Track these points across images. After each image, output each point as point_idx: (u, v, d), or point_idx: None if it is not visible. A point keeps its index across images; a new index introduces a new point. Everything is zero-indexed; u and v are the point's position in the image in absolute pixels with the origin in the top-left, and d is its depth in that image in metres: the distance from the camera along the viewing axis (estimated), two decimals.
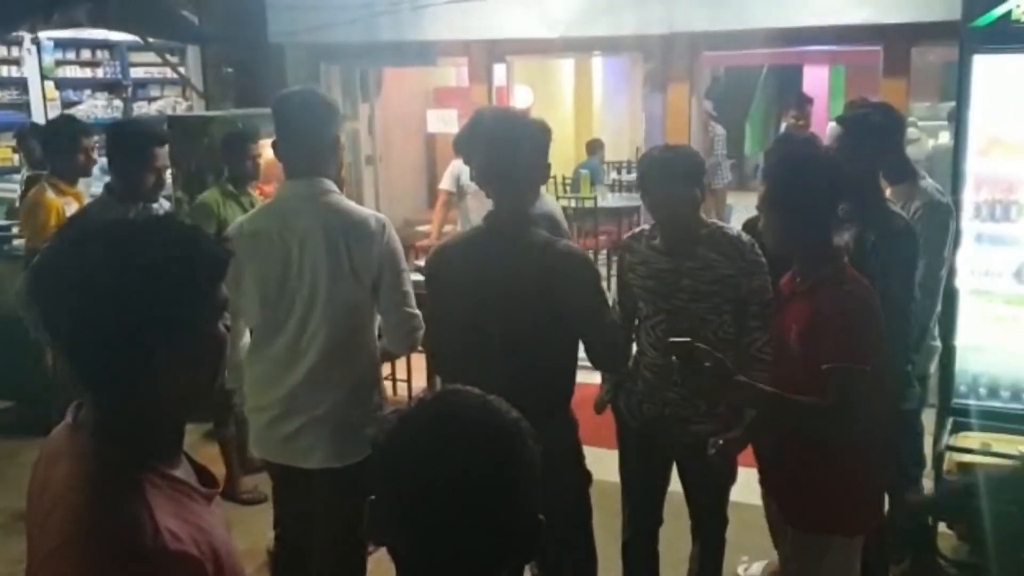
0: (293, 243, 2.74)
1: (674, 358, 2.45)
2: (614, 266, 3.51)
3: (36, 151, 6.00)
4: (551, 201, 4.04)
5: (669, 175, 2.95)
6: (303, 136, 2.78)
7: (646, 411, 3.13)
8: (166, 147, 3.98)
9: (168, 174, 6.13)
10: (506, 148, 2.66)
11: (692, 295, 3.01)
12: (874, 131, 3.38)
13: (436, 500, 1.11)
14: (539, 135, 2.72)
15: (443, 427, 1.14)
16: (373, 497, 1.17)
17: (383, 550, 1.24)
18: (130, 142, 3.85)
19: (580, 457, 2.95)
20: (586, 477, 2.97)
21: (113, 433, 1.27)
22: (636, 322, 3.23)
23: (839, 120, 3.57)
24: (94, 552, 1.18)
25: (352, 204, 2.85)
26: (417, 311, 2.87)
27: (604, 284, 3.00)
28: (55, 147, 4.65)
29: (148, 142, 3.84)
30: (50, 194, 4.46)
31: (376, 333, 2.97)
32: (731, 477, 3.17)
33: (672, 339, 2.52)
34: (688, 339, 2.48)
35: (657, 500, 3.29)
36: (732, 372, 2.45)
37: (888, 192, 3.77)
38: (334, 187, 2.81)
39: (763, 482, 2.94)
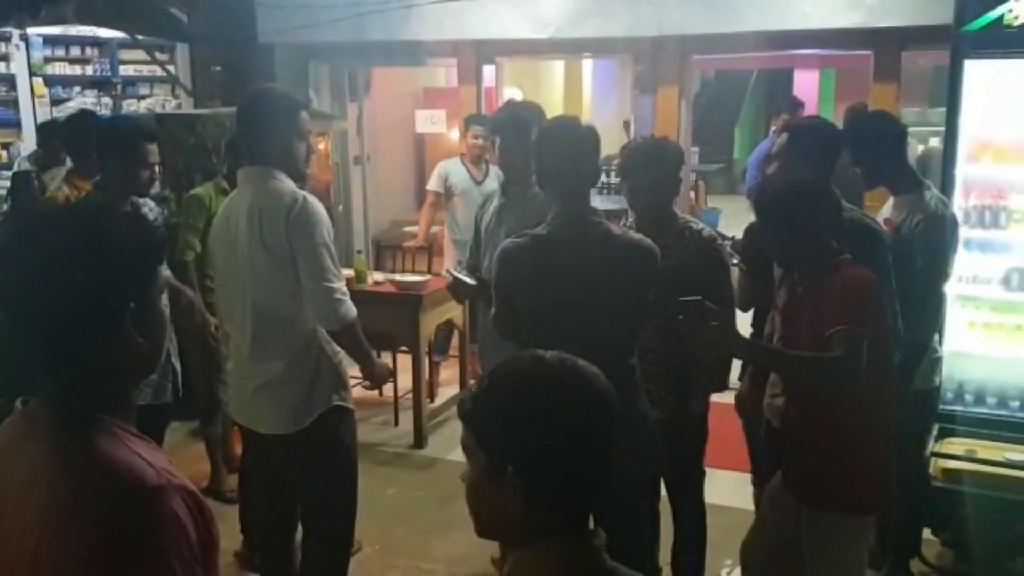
0: (232, 224, 3.04)
1: (680, 316, 2.63)
2: None
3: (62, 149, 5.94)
4: None
5: (650, 163, 3.25)
6: (255, 128, 3.04)
7: None
8: (155, 144, 3.95)
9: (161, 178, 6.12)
10: (572, 152, 2.83)
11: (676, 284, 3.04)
12: (821, 141, 3.35)
13: (594, 443, 1.33)
14: (595, 139, 2.93)
15: (588, 383, 1.35)
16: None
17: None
18: (123, 138, 3.81)
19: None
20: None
21: (71, 406, 1.31)
22: None
23: (787, 128, 3.56)
24: (102, 502, 1.20)
25: (281, 185, 3.00)
26: (337, 285, 2.99)
27: None
28: (75, 142, 4.65)
29: (141, 138, 3.81)
30: (64, 190, 4.46)
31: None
32: (694, 471, 3.38)
33: (683, 298, 2.67)
34: (699, 297, 2.67)
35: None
36: (735, 330, 2.73)
37: (891, 203, 3.74)
38: (278, 174, 3.00)
39: (782, 470, 2.97)
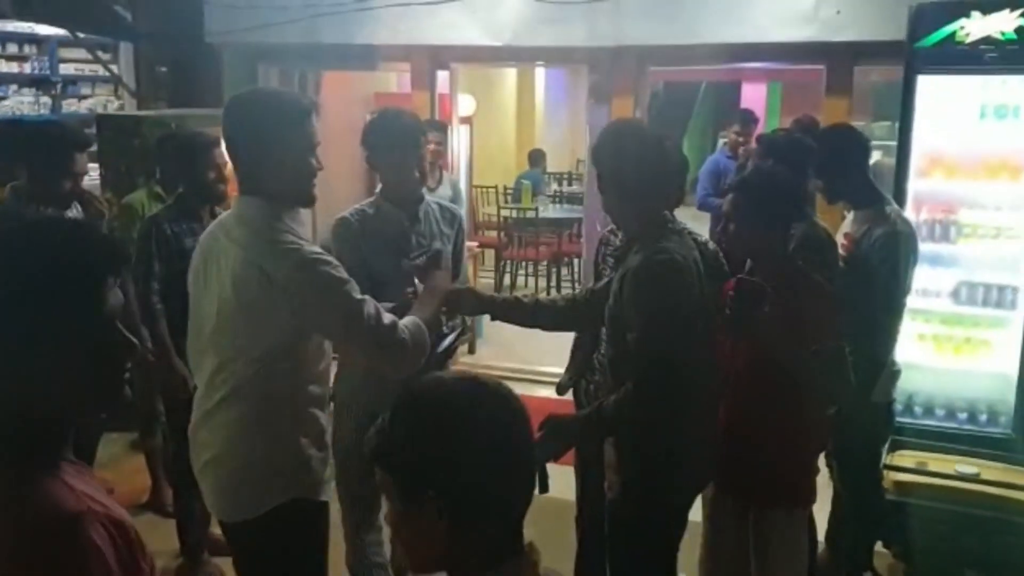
0: (211, 268, 2.49)
1: (731, 292, 2.70)
2: (553, 276, 3.64)
3: None
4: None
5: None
6: (259, 145, 2.46)
7: (600, 397, 3.22)
8: (85, 153, 3.80)
9: (97, 174, 5.93)
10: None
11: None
12: (793, 153, 3.44)
13: (507, 467, 1.30)
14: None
15: (494, 400, 1.33)
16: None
17: None
18: (51, 145, 3.67)
19: None
20: None
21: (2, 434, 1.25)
22: None
23: (757, 139, 3.55)
24: (19, 531, 1.17)
25: (290, 239, 2.40)
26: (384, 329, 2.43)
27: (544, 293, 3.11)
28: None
29: (70, 146, 3.67)
30: None
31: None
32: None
33: (740, 276, 2.79)
34: (757, 279, 2.77)
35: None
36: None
37: (851, 216, 3.74)
38: (287, 216, 2.41)
39: (716, 477, 2.99)
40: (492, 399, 1.32)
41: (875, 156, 6.80)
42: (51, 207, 3.66)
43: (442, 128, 6.22)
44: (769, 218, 2.82)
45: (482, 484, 1.27)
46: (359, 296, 2.35)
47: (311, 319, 2.33)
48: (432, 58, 6.48)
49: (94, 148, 4.98)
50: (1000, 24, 4.11)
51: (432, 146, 5.97)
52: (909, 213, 4.33)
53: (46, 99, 9.16)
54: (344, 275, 2.34)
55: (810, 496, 2.97)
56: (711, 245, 3.13)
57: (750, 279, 2.77)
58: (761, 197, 2.82)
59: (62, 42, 8.95)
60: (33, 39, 9.06)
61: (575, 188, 10.61)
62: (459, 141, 7.37)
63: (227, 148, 2.46)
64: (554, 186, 10.89)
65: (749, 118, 7.19)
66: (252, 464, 2.40)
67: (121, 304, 1.33)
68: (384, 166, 3.30)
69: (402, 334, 2.41)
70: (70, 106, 9.29)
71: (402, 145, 3.23)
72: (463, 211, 6.72)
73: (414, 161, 3.27)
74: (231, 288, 2.31)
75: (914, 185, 4.39)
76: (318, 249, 2.37)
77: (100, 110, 8.60)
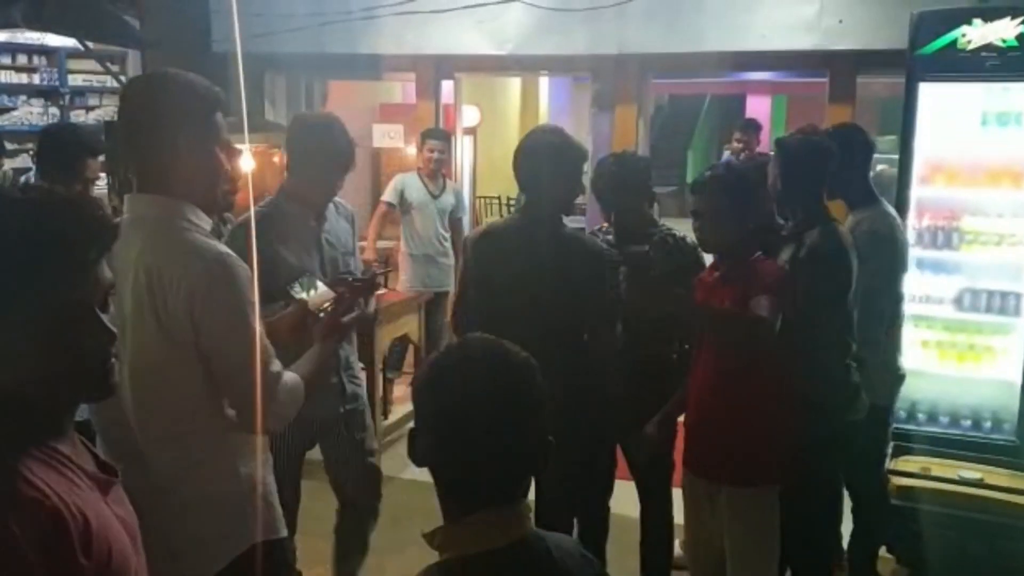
0: (118, 278, 2.32)
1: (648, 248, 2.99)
2: None
3: None
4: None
5: (619, 185, 3.47)
6: (151, 134, 2.15)
7: None
8: (100, 158, 3.84)
9: (104, 181, 5.98)
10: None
11: (629, 284, 3.33)
12: (804, 155, 3.34)
13: (463, 427, 1.33)
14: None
15: (467, 365, 1.38)
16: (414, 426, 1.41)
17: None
18: (63, 149, 3.72)
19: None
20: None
21: None
22: None
23: (776, 143, 3.57)
24: None
25: (193, 236, 2.10)
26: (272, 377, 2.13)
27: None
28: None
29: (82, 151, 3.71)
30: None
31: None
32: (667, 463, 3.47)
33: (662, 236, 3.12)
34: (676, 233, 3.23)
35: (606, 475, 3.60)
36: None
37: (850, 219, 3.74)
38: (188, 210, 2.10)
39: (688, 461, 3.13)
40: (482, 363, 1.37)
41: (880, 167, 6.84)
42: None
43: (445, 137, 6.27)
44: (737, 215, 2.90)
45: (449, 442, 1.35)
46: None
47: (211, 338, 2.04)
48: (437, 67, 6.52)
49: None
50: (1001, 31, 4.13)
51: (435, 154, 6.01)
52: (912, 219, 4.35)
53: (54, 109, 9.22)
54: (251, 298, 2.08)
55: (783, 474, 2.98)
56: (690, 239, 3.28)
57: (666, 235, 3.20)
58: (730, 195, 2.91)
59: (71, 53, 9.01)
60: (43, 50, 9.13)
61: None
62: (463, 151, 7.41)
63: (126, 137, 2.14)
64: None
65: (751, 125, 7.22)
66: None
67: (111, 281, 1.28)
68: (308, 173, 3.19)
69: (281, 391, 2.12)
70: (78, 116, 9.33)
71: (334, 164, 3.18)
72: (466, 219, 6.75)
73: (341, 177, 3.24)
74: (132, 303, 2.03)
75: (916, 192, 4.41)
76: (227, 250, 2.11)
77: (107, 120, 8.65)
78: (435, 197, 6.13)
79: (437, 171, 6.16)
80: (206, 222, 2.11)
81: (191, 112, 2.10)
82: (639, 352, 3.43)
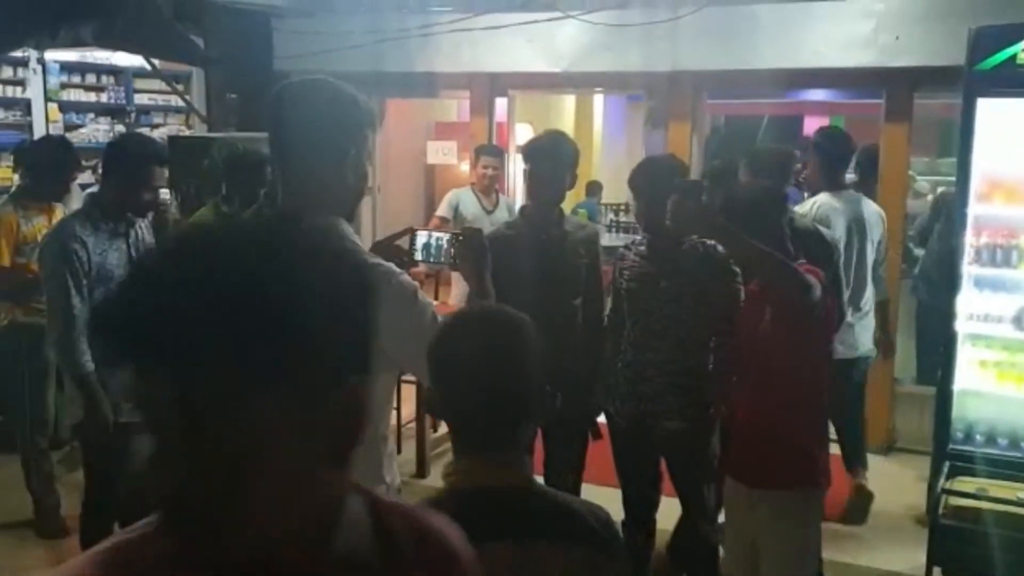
0: None
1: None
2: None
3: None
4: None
5: (659, 176, 3.43)
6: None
7: (629, 408, 3.55)
8: (165, 168, 3.94)
9: (168, 195, 6.14)
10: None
11: (668, 297, 3.43)
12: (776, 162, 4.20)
13: (461, 375, 1.56)
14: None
15: (465, 325, 1.66)
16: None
17: None
18: (130, 157, 3.79)
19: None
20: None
21: None
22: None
23: (745, 154, 4.20)
24: None
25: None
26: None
27: None
28: (36, 165, 4.70)
29: (149, 159, 3.78)
30: (8, 208, 4.51)
31: None
32: (710, 473, 3.48)
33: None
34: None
35: (648, 489, 3.65)
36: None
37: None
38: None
39: (730, 466, 3.19)
40: (481, 330, 1.62)
41: (940, 190, 6.75)
42: (126, 218, 3.80)
43: (499, 153, 6.33)
44: (755, 233, 2.90)
45: (450, 394, 1.61)
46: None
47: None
48: (491, 85, 6.60)
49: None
50: None
51: (489, 170, 6.06)
52: (969, 237, 4.30)
53: (120, 127, 9.48)
54: None
55: (826, 477, 3.02)
56: (720, 249, 3.40)
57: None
58: (746, 215, 2.98)
59: (137, 73, 9.28)
60: (111, 70, 9.42)
61: (630, 219, 10.61)
62: (516, 168, 7.47)
63: (284, 147, 2.04)
64: (610, 216, 10.93)
65: (808, 146, 7.15)
66: None
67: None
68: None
69: None
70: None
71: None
72: None
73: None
74: None
75: (974, 210, 4.35)
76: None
77: None
78: (489, 212, 6.15)
79: (491, 187, 6.20)
80: (358, 238, 2.09)
81: (360, 124, 2.05)
82: (679, 365, 3.46)
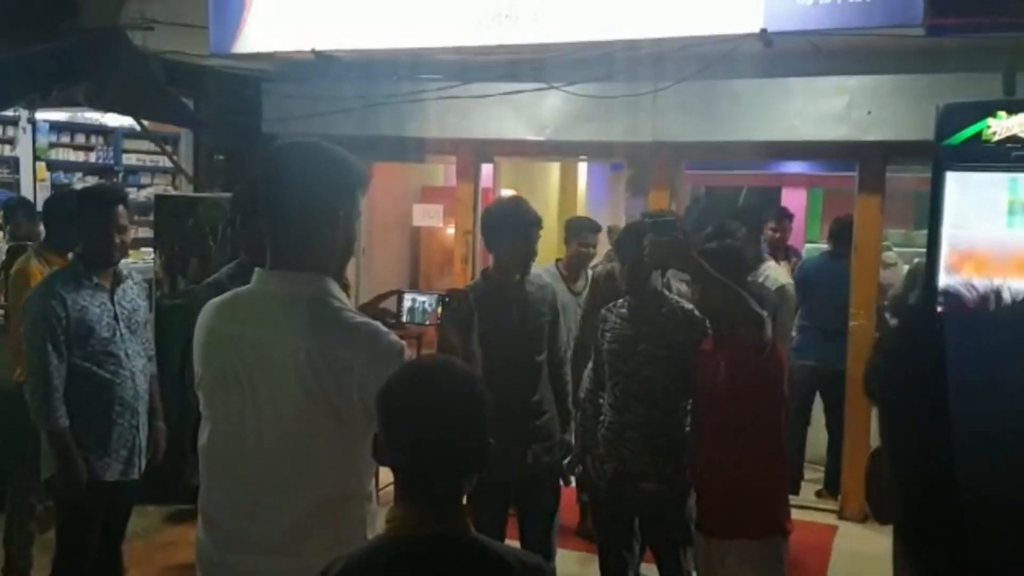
0: None
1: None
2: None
3: (23, 225, 6.05)
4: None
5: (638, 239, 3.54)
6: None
7: (607, 470, 3.60)
8: (126, 207, 3.90)
9: (153, 256, 6.18)
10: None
11: (647, 359, 3.51)
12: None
13: (419, 431, 1.61)
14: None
15: (411, 376, 1.70)
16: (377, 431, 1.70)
17: None
18: (92, 204, 3.87)
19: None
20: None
21: None
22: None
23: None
24: None
25: None
26: None
27: None
28: (56, 218, 4.71)
29: (110, 202, 3.84)
30: (35, 263, 4.52)
31: None
32: (685, 537, 3.51)
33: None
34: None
35: (625, 551, 3.67)
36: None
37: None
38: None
39: (700, 523, 3.34)
40: (420, 384, 1.67)
41: (916, 260, 6.88)
42: (107, 267, 3.83)
43: (598, 229, 5.73)
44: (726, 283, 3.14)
45: (393, 444, 1.66)
46: None
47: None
48: (477, 151, 6.72)
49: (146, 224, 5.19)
50: None
51: (588, 249, 5.42)
52: (941, 308, 4.39)
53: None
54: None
55: (782, 525, 3.18)
56: (698, 313, 3.52)
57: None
58: (716, 268, 3.13)
59: (127, 133, 9.38)
60: (101, 130, 9.51)
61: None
62: None
63: (273, 208, 2.07)
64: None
65: (784, 214, 7.29)
66: None
67: None
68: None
69: None
70: (130, 194, 9.66)
71: None
72: None
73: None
74: (298, 386, 1.95)
75: (945, 281, 4.45)
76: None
77: None
78: (576, 295, 5.24)
79: (583, 266, 5.43)
80: (345, 297, 2.10)
81: (351, 186, 2.09)
82: (657, 426, 3.52)
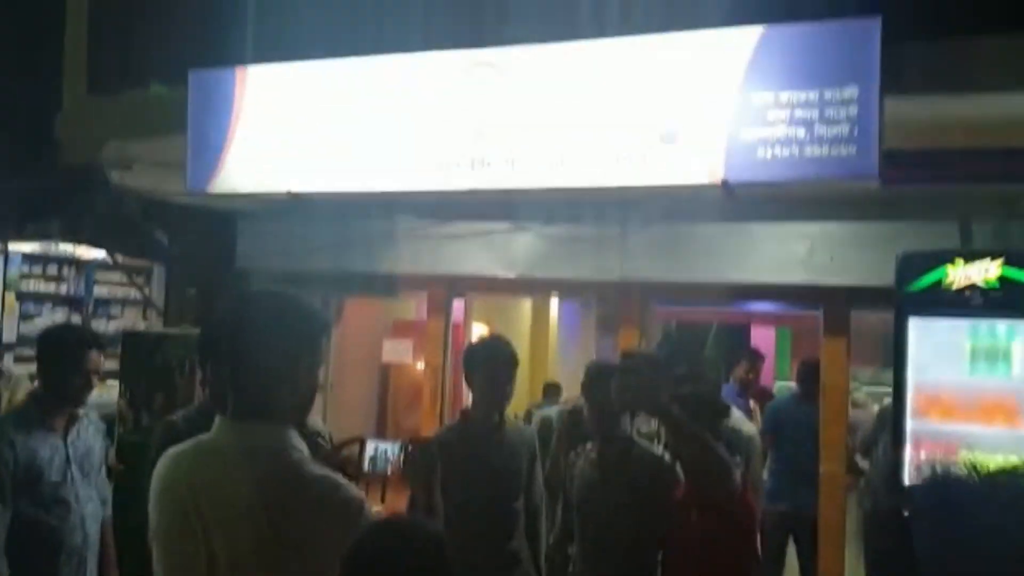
0: None
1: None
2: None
3: None
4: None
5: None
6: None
7: None
8: (100, 352, 3.85)
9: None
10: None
11: (616, 507, 3.42)
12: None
13: None
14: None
15: (387, 545, 1.70)
16: None
17: None
18: (64, 345, 3.78)
19: None
20: None
21: None
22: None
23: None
24: None
25: None
26: None
27: None
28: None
29: (83, 344, 3.77)
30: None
31: None
32: None
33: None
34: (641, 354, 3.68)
35: None
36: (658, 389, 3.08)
37: None
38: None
39: None
40: (381, 542, 1.73)
41: (886, 401, 6.93)
42: (65, 408, 3.75)
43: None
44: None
45: None
46: None
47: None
48: (448, 287, 6.77)
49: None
50: (983, 272, 4.34)
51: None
52: (908, 452, 4.42)
53: (77, 318, 9.49)
54: None
55: None
56: (667, 458, 3.56)
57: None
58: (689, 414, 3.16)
59: (99, 265, 9.40)
60: (73, 262, 9.52)
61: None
62: None
63: (234, 358, 2.05)
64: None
65: (756, 356, 7.37)
66: None
67: None
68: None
69: None
70: (98, 326, 9.60)
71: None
72: None
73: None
74: (255, 541, 1.94)
75: (912, 425, 4.48)
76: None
77: None
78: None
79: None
80: (305, 447, 2.07)
81: (314, 336, 2.11)
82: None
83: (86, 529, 3.71)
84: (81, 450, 3.78)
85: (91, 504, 3.78)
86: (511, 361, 3.84)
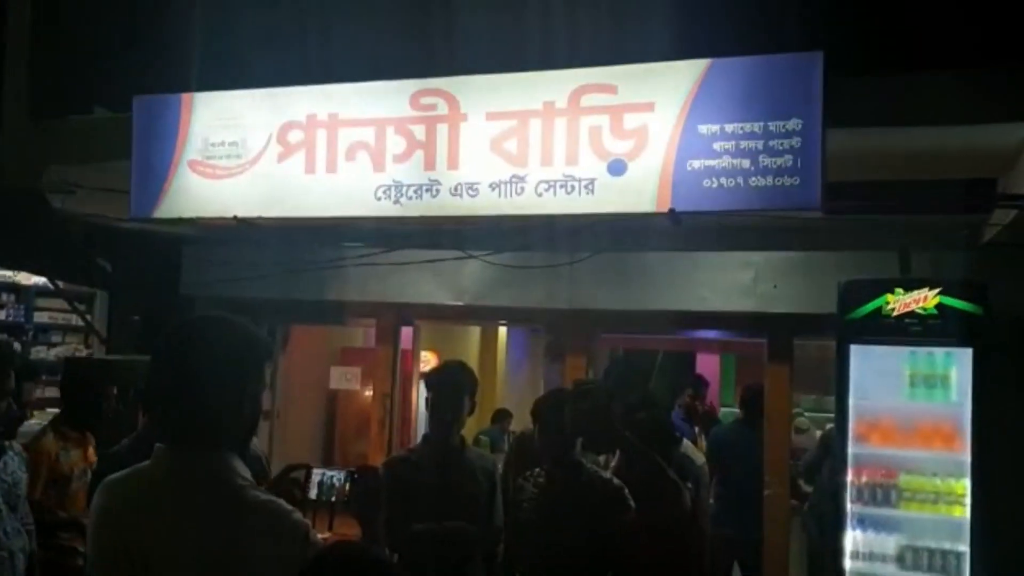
0: None
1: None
2: None
3: None
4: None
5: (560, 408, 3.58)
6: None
7: None
8: (10, 373, 3.77)
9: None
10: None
11: (565, 531, 3.40)
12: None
13: None
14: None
15: (331, 565, 1.72)
16: None
17: None
18: None
19: None
20: None
21: None
22: None
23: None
24: None
25: None
26: None
27: None
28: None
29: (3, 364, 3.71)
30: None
31: None
32: None
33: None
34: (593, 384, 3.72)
35: None
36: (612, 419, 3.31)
37: None
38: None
39: None
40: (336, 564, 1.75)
41: (829, 427, 7.05)
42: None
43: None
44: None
45: None
46: None
47: None
48: (397, 315, 6.76)
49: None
50: (921, 300, 4.45)
51: None
52: (850, 476, 4.50)
53: (17, 345, 9.28)
54: None
55: None
56: (614, 482, 3.52)
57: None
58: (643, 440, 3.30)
59: (40, 291, 9.21)
60: (13, 287, 9.33)
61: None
62: (420, 395, 7.52)
63: (176, 385, 2.01)
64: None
65: (701, 382, 7.47)
66: None
67: None
68: None
69: None
70: (38, 353, 9.40)
71: None
72: None
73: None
74: (197, 571, 1.90)
75: (853, 449, 4.56)
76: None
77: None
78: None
79: None
80: (248, 473, 2.03)
81: (257, 361, 2.08)
82: None
83: (15, 565, 3.59)
84: (8, 482, 3.67)
85: (19, 539, 3.67)
86: (471, 384, 3.90)
